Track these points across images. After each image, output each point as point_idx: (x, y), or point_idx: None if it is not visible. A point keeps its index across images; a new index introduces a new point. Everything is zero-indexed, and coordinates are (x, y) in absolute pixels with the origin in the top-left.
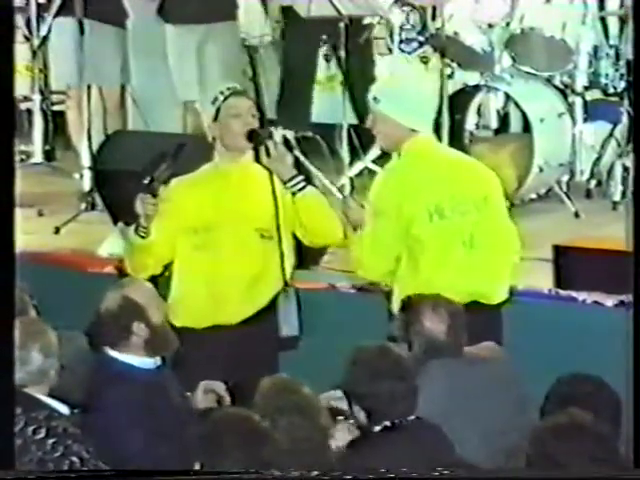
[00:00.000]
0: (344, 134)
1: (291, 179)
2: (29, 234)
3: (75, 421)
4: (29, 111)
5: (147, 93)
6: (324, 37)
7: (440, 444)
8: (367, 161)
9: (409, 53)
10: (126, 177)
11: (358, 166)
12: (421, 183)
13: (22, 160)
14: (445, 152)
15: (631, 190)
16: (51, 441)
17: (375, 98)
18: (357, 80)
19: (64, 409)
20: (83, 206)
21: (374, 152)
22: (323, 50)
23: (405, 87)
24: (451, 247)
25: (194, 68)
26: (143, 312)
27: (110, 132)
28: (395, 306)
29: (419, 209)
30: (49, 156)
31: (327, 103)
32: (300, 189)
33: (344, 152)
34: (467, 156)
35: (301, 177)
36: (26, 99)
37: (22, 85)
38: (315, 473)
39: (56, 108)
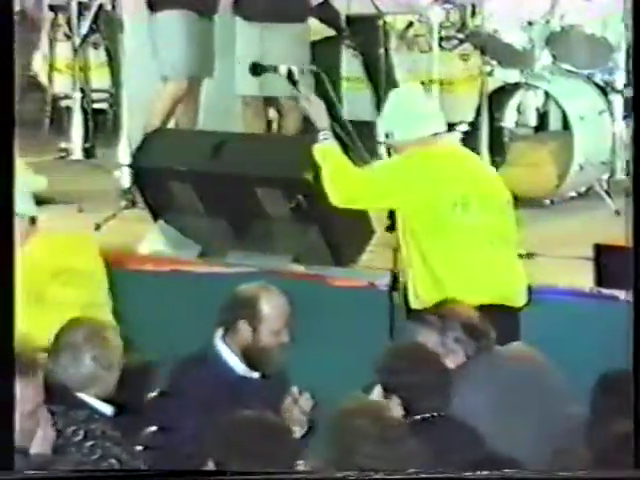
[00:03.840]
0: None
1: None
2: (69, 230)
3: (115, 423)
4: (69, 109)
5: (208, 87)
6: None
7: (468, 442)
8: None
9: (449, 51)
10: (166, 175)
11: None
12: (447, 173)
13: (62, 157)
14: (467, 151)
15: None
16: (89, 443)
17: (387, 135)
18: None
19: (107, 410)
20: (123, 203)
21: None
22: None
23: (405, 105)
24: (475, 244)
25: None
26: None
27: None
28: (412, 302)
29: (444, 198)
30: (89, 153)
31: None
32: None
33: (382, 148)
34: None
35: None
36: (66, 97)
37: (62, 83)
38: (320, 473)
39: (96, 106)
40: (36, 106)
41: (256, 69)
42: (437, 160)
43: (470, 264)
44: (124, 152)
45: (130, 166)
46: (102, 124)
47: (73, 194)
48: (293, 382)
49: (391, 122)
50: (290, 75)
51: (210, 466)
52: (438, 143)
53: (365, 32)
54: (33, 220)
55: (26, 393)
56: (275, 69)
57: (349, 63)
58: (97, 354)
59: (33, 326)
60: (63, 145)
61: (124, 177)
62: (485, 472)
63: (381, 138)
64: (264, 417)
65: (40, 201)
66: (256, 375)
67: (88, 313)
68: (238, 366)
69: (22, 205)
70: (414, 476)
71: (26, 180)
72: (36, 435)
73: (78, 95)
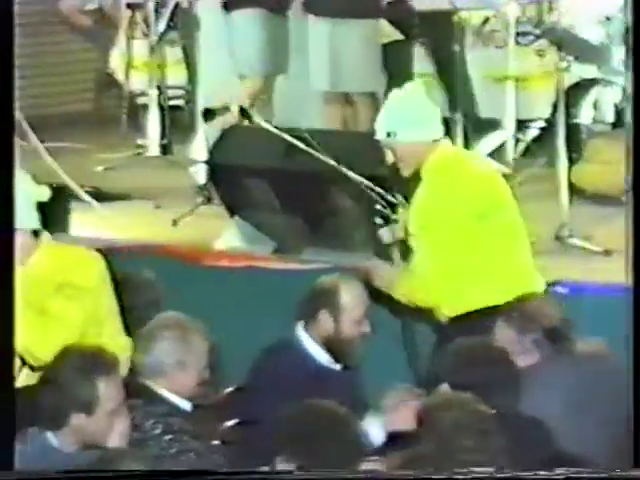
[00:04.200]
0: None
1: None
2: (146, 226)
3: (194, 417)
4: (145, 106)
5: (282, 84)
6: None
7: (538, 439)
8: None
9: (525, 46)
10: (241, 172)
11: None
12: (461, 191)
13: (139, 154)
14: (465, 155)
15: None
16: (168, 437)
17: (389, 134)
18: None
19: (186, 405)
20: (199, 200)
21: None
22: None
23: (407, 105)
24: (496, 248)
25: (328, 60)
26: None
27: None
28: (443, 317)
29: (466, 214)
30: (165, 150)
31: None
32: None
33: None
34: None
35: None
36: (143, 94)
37: (139, 80)
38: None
39: (172, 103)
40: (113, 103)
41: (207, 114)
42: (448, 182)
43: (487, 268)
44: (200, 149)
45: (206, 162)
46: (178, 121)
47: (150, 190)
48: (368, 377)
49: (393, 121)
50: (242, 111)
51: (278, 462)
52: (437, 150)
53: (439, 28)
54: (36, 233)
55: (107, 392)
56: (227, 109)
57: (421, 60)
58: (177, 351)
59: (35, 339)
60: (140, 142)
61: (200, 173)
62: (557, 470)
63: (381, 136)
64: (336, 411)
65: (117, 197)
66: (338, 367)
67: (92, 328)
68: (321, 356)
69: (24, 218)
70: (480, 475)
71: (28, 191)
72: (113, 430)
73: (155, 92)
